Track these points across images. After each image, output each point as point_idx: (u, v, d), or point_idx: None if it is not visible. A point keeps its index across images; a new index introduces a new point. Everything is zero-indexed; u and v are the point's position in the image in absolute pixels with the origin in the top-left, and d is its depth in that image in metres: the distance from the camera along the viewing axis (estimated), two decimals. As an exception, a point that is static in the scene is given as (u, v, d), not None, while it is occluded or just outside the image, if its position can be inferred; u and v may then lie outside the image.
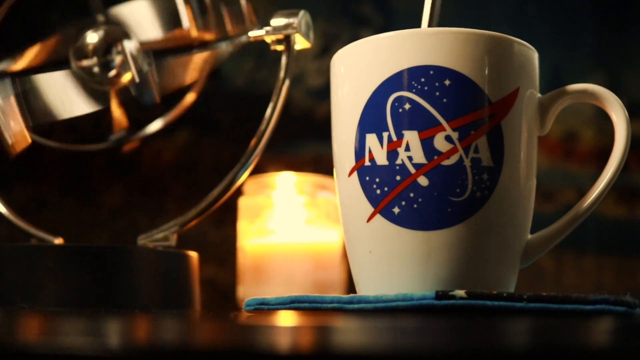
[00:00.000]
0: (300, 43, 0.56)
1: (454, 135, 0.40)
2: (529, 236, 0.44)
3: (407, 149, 0.41)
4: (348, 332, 0.28)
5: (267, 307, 0.41)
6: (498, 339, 0.27)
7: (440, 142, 0.40)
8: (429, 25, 0.44)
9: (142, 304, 0.52)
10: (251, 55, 0.58)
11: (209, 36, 0.59)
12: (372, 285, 0.42)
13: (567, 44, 0.91)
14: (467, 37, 0.41)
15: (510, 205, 0.42)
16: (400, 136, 0.41)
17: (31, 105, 0.53)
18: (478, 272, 0.41)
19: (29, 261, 0.52)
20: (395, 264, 0.41)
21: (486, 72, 0.41)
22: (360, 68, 0.42)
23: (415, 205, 0.40)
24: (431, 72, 0.40)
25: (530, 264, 0.44)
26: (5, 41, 0.61)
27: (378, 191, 0.41)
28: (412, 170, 0.40)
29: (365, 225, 0.42)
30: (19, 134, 0.53)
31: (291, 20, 0.54)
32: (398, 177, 0.41)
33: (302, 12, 0.55)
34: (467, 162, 0.40)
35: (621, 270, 0.89)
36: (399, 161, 0.41)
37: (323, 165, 0.81)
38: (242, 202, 0.72)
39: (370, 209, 0.42)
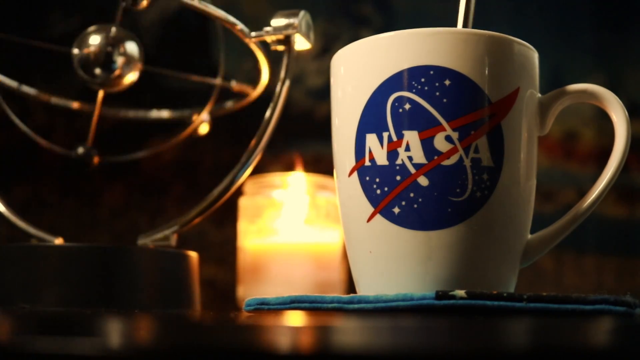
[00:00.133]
0: (301, 43, 0.56)
1: (454, 135, 0.40)
2: (529, 236, 0.44)
3: (407, 149, 0.41)
4: (348, 332, 0.28)
5: (267, 307, 0.41)
6: (498, 339, 0.27)
7: (440, 142, 0.40)
8: (464, 25, 0.44)
9: (142, 304, 0.52)
10: (251, 55, 0.58)
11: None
12: (372, 285, 0.42)
13: (567, 44, 0.91)
14: (467, 37, 0.41)
15: (510, 205, 0.42)
16: (400, 136, 0.41)
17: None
18: (478, 272, 0.41)
19: (29, 261, 0.52)
20: (395, 264, 0.41)
21: (486, 72, 0.41)
22: (360, 68, 0.42)
23: (415, 205, 0.40)
24: (431, 72, 0.40)
25: (530, 264, 0.44)
26: (6, 41, 0.61)
27: (378, 191, 0.41)
28: (412, 170, 0.40)
29: (365, 225, 0.42)
30: None
31: (291, 20, 0.54)
32: (398, 177, 0.41)
33: (302, 13, 0.55)
34: (467, 162, 0.40)
35: (621, 270, 0.89)
36: (399, 161, 0.41)
37: (323, 165, 0.81)
38: (242, 202, 0.72)
39: (370, 209, 0.42)
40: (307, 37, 0.56)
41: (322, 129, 0.72)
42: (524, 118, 0.42)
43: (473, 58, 0.41)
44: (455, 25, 0.44)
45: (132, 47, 0.57)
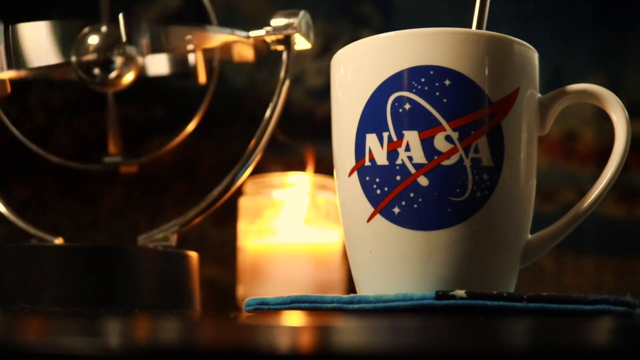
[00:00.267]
0: (301, 43, 0.56)
1: (454, 135, 0.40)
2: (529, 236, 0.44)
3: (407, 149, 0.41)
4: (348, 332, 0.28)
5: (267, 307, 0.41)
6: (498, 339, 0.27)
7: (440, 142, 0.40)
8: (478, 27, 0.44)
9: (142, 304, 0.52)
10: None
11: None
12: (372, 285, 0.42)
13: (567, 44, 0.91)
14: (467, 37, 0.41)
15: (510, 205, 0.42)
16: (400, 136, 0.41)
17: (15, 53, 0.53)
18: (478, 272, 0.41)
19: (29, 261, 0.52)
20: (395, 264, 0.41)
21: (486, 72, 0.41)
22: (360, 68, 0.42)
23: (415, 205, 0.40)
24: (431, 72, 0.40)
25: (530, 264, 0.44)
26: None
27: (378, 191, 0.41)
28: (412, 170, 0.40)
29: (365, 225, 0.42)
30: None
31: (291, 20, 0.55)
32: (398, 177, 0.41)
33: (302, 13, 0.55)
34: (467, 162, 0.40)
35: (621, 270, 0.89)
36: (399, 161, 0.41)
37: (323, 165, 0.81)
38: (242, 202, 0.72)
39: (370, 209, 0.42)
40: (307, 37, 0.56)
41: (322, 129, 0.72)
42: (524, 118, 0.42)
43: (473, 58, 0.41)
44: (455, 25, 0.44)
45: (130, 48, 0.57)
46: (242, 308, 0.43)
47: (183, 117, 0.70)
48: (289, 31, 0.55)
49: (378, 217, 0.41)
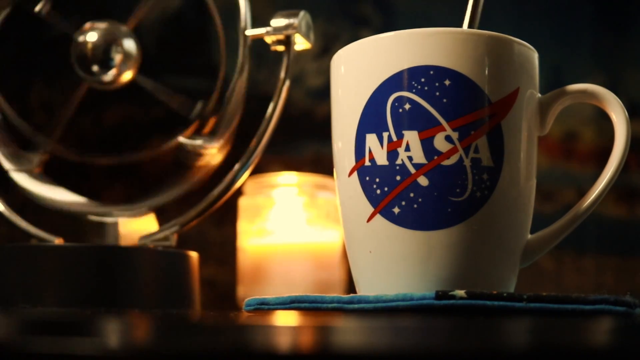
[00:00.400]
0: (301, 43, 0.56)
1: (454, 135, 0.40)
2: (529, 236, 0.44)
3: (407, 149, 0.41)
4: (348, 332, 0.28)
5: (267, 307, 0.41)
6: (498, 339, 0.27)
7: (440, 142, 0.40)
8: (470, 25, 0.44)
9: (142, 304, 0.52)
10: (251, 55, 0.58)
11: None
12: (372, 285, 0.42)
13: (567, 44, 0.91)
14: (467, 37, 0.41)
15: (510, 205, 0.42)
16: (400, 136, 0.41)
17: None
18: (478, 272, 0.41)
19: (29, 261, 0.52)
20: (395, 264, 0.41)
21: (486, 72, 0.41)
22: (360, 68, 0.42)
23: (415, 205, 0.40)
24: (431, 72, 0.40)
25: (530, 264, 0.44)
26: (5, 41, 0.61)
27: (378, 191, 0.41)
28: (412, 170, 0.40)
29: (365, 225, 0.42)
30: None
31: (291, 20, 0.55)
32: (398, 177, 0.41)
33: (302, 13, 0.55)
34: (467, 162, 0.40)
35: (621, 270, 0.89)
36: (399, 161, 0.41)
37: (323, 165, 0.81)
38: (242, 202, 0.72)
39: (370, 209, 0.42)
40: (307, 37, 0.56)
41: (322, 129, 0.72)
42: (524, 118, 0.42)
43: (473, 58, 0.41)
44: (455, 25, 0.44)
45: (129, 44, 0.57)
46: (242, 308, 0.43)
47: (183, 117, 0.70)
48: (289, 31, 0.55)
49: (378, 217, 0.41)
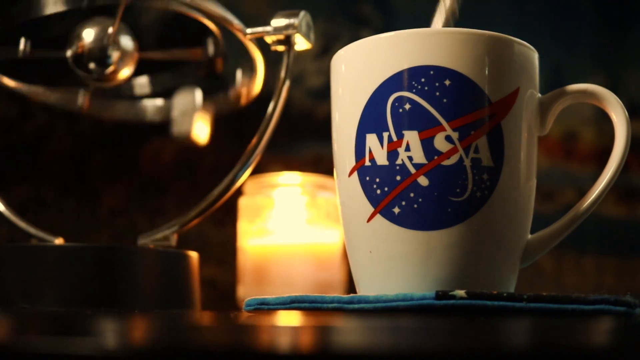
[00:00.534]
0: (301, 43, 0.56)
1: (454, 135, 0.40)
2: (529, 236, 0.44)
3: (407, 149, 0.41)
4: (348, 332, 0.28)
5: (267, 307, 0.41)
6: (498, 339, 0.27)
7: (440, 142, 0.40)
8: (444, 24, 0.44)
9: (142, 304, 0.52)
10: (250, 55, 0.58)
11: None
12: (372, 285, 0.42)
13: (567, 44, 0.91)
14: (467, 37, 0.41)
15: (510, 205, 0.42)
16: (400, 136, 0.41)
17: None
18: (478, 272, 0.41)
19: (29, 261, 0.52)
20: (395, 264, 0.41)
21: (486, 72, 0.41)
22: (360, 68, 0.42)
23: (415, 205, 0.40)
24: (431, 72, 0.40)
25: (530, 264, 0.44)
26: (5, 40, 0.61)
27: (378, 191, 0.41)
28: (412, 170, 0.40)
29: (365, 225, 0.42)
30: None
31: (292, 20, 0.54)
32: (398, 177, 0.41)
33: (302, 13, 0.55)
34: (467, 162, 0.40)
35: (621, 270, 0.89)
36: (399, 161, 0.41)
37: (323, 165, 0.81)
38: (242, 202, 0.72)
39: (370, 209, 0.42)
40: (307, 37, 0.56)
41: (322, 129, 0.72)
42: (524, 118, 0.42)
43: (473, 58, 0.41)
44: (455, 25, 0.44)
45: (127, 41, 0.57)
46: (242, 308, 0.43)
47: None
48: (290, 31, 0.55)
49: (378, 217, 0.41)
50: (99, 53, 0.55)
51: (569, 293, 0.36)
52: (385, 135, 0.41)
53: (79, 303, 0.50)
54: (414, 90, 0.41)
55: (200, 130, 0.66)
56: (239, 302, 0.71)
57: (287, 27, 0.55)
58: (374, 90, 0.41)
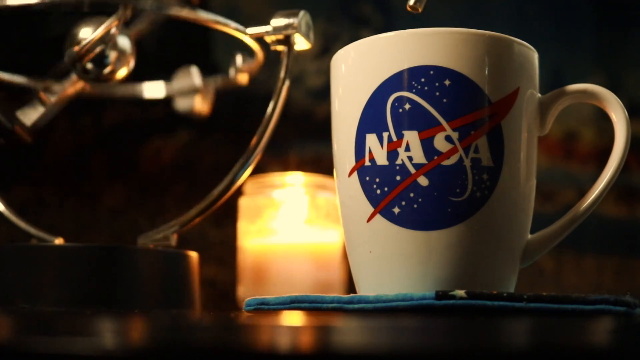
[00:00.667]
0: (301, 43, 0.56)
1: (454, 135, 0.40)
2: (529, 236, 0.44)
3: (407, 149, 0.41)
4: (348, 332, 0.28)
5: (267, 307, 0.41)
6: (498, 339, 0.27)
7: (440, 142, 0.40)
8: (414, 6, 0.44)
9: (142, 304, 0.52)
10: (250, 54, 0.58)
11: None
12: (372, 285, 0.42)
13: (567, 44, 0.91)
14: (467, 37, 0.41)
15: (510, 205, 0.42)
16: (400, 136, 0.41)
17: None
18: (478, 272, 0.41)
19: (29, 261, 0.52)
20: (395, 264, 0.41)
21: (486, 72, 0.41)
22: (360, 68, 0.42)
23: (415, 205, 0.40)
24: (431, 72, 0.40)
25: (530, 264, 0.44)
26: (4, 40, 0.61)
27: (378, 191, 0.41)
28: (412, 170, 0.40)
29: (365, 225, 0.42)
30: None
31: (291, 20, 0.54)
32: (398, 177, 0.41)
33: (302, 13, 0.55)
34: (467, 162, 0.40)
35: (621, 270, 0.89)
36: (399, 161, 0.41)
37: (323, 165, 0.81)
38: (243, 202, 0.72)
39: (370, 209, 0.42)
40: (307, 37, 0.56)
41: (322, 129, 0.72)
42: (524, 118, 0.42)
43: (473, 58, 0.41)
44: (455, 25, 0.44)
45: (124, 42, 0.57)
46: (242, 308, 0.43)
47: (183, 117, 0.70)
48: (289, 31, 0.54)
49: (378, 217, 0.41)
50: (97, 53, 0.55)
51: (569, 293, 0.36)
52: (385, 135, 0.41)
53: (79, 303, 0.50)
54: (413, 90, 0.41)
55: (202, 105, 0.67)
56: (239, 302, 0.71)
57: (286, 27, 0.55)
58: (374, 90, 0.41)
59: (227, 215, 0.75)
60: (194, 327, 0.31)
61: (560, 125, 0.90)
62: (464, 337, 0.27)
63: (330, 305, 0.39)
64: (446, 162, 0.40)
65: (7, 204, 0.57)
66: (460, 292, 0.36)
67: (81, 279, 0.51)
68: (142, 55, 0.59)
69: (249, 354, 0.27)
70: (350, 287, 0.52)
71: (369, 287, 0.43)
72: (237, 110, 0.84)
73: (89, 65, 0.56)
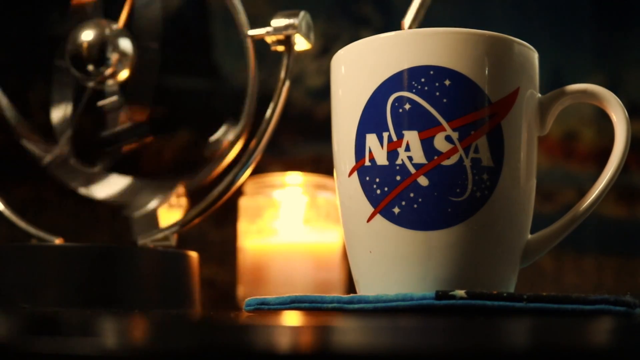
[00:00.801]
0: (301, 43, 0.56)
1: (454, 135, 0.40)
2: (529, 236, 0.44)
3: (407, 149, 0.41)
4: (348, 332, 0.28)
5: (267, 307, 0.41)
6: (498, 339, 0.27)
7: (440, 142, 0.40)
8: (410, 26, 0.44)
9: (142, 304, 0.52)
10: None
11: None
12: (372, 285, 0.42)
13: (567, 44, 0.91)
14: (467, 37, 0.41)
15: (510, 205, 0.42)
16: (400, 136, 0.41)
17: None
18: (478, 272, 0.41)
19: (29, 261, 0.52)
20: (395, 264, 0.41)
21: (486, 72, 0.41)
22: (360, 68, 0.42)
23: (415, 205, 0.40)
24: (431, 72, 0.40)
25: (530, 264, 0.44)
26: (4, 40, 0.61)
27: (378, 191, 0.41)
28: (412, 170, 0.40)
29: (365, 225, 0.42)
30: None
31: (292, 20, 0.54)
32: (398, 177, 0.41)
33: (302, 13, 0.55)
34: (467, 162, 0.40)
35: (621, 270, 0.89)
36: (399, 161, 0.41)
37: (323, 165, 0.81)
38: (243, 202, 0.72)
39: (370, 209, 0.42)
40: (307, 37, 0.56)
41: (322, 129, 0.72)
42: (524, 118, 0.42)
43: (473, 58, 0.41)
44: (455, 25, 0.44)
45: (125, 44, 0.57)
46: (242, 308, 0.43)
47: (183, 117, 0.70)
48: (289, 31, 0.55)
49: (378, 217, 0.41)
50: (97, 55, 0.55)
51: (569, 293, 0.36)
52: (385, 135, 0.41)
53: (79, 303, 0.50)
54: (413, 90, 0.41)
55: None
56: (239, 302, 0.71)
57: (287, 27, 0.55)
58: (374, 90, 0.41)
59: (227, 215, 0.75)
60: (194, 327, 0.31)
61: (560, 125, 0.90)
62: (464, 337, 0.27)
63: (330, 305, 0.39)
64: (446, 162, 0.40)
65: (7, 204, 0.57)
66: (460, 292, 0.36)
67: (81, 279, 0.51)
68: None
69: (249, 354, 0.27)
70: (350, 287, 0.52)
71: (369, 287, 0.43)
72: (237, 110, 0.84)
73: (90, 67, 0.56)
